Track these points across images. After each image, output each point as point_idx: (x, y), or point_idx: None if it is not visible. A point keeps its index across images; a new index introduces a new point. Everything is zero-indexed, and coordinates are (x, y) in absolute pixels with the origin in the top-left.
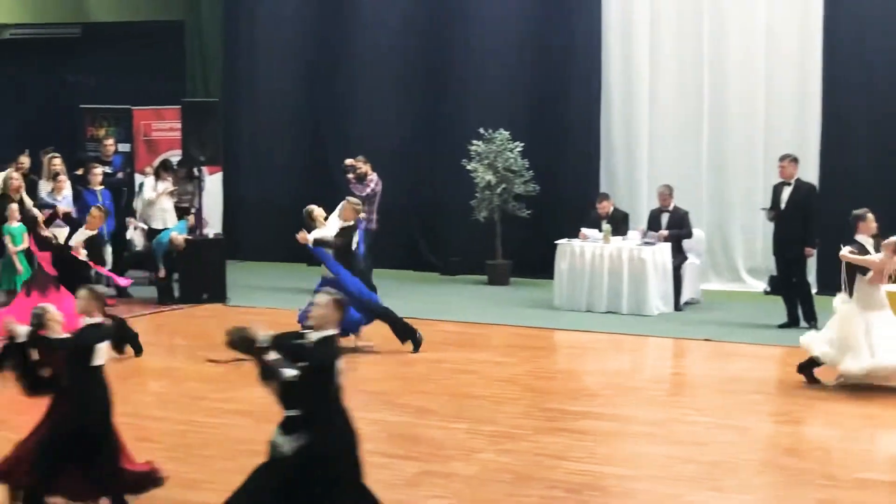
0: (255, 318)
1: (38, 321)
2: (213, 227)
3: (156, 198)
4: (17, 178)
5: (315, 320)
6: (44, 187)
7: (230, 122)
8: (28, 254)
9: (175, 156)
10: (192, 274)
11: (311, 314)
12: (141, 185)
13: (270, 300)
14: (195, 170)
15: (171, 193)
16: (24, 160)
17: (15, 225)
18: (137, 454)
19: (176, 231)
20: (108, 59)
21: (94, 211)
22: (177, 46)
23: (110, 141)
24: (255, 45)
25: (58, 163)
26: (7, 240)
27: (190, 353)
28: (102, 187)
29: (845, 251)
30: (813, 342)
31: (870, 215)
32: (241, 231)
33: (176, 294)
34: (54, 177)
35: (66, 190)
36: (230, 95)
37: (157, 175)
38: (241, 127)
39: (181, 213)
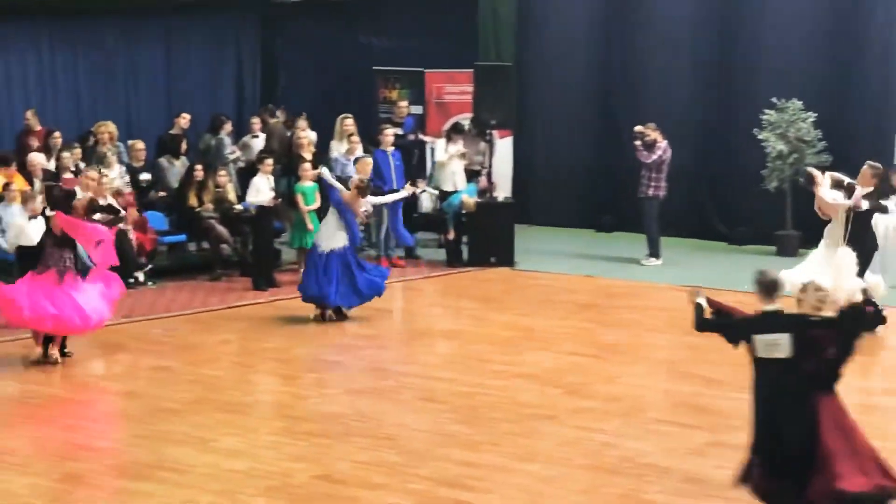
0: (541, 283)
1: None
2: (503, 190)
3: (447, 160)
4: (304, 137)
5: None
6: (336, 148)
7: (521, 86)
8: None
9: (466, 119)
10: (481, 237)
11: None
12: (432, 147)
13: (557, 265)
14: (486, 133)
15: (462, 156)
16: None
17: (307, 184)
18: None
19: (466, 194)
20: (402, 22)
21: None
22: (470, 9)
23: (403, 103)
24: (547, 9)
25: (350, 123)
26: (299, 198)
27: (477, 316)
28: (394, 148)
29: None
30: None
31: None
32: (530, 195)
33: (464, 256)
34: (347, 137)
35: (359, 151)
36: (522, 59)
37: (448, 137)
38: (532, 91)
39: (471, 175)
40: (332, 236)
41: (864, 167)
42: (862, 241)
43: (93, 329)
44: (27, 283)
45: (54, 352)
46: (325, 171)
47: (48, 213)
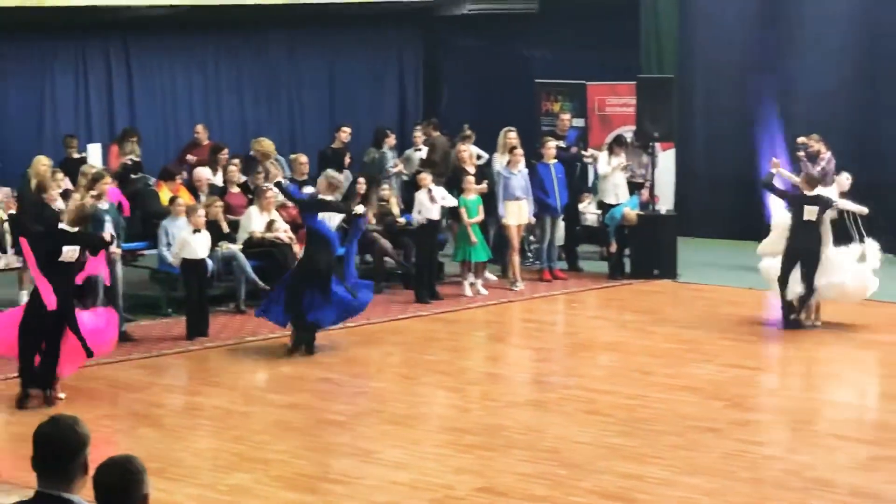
0: (704, 296)
1: None
2: (665, 202)
3: (609, 172)
4: (465, 149)
5: None
6: (499, 160)
7: (684, 98)
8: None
9: (628, 131)
10: (644, 249)
11: None
12: (594, 159)
13: (720, 277)
14: (649, 145)
15: (624, 168)
16: (469, 133)
17: (471, 197)
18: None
19: (628, 206)
20: (564, 34)
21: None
22: (632, 21)
23: (566, 115)
24: (710, 21)
25: (513, 136)
26: (462, 211)
27: (639, 328)
28: (556, 161)
29: None
30: None
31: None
32: (692, 207)
33: (626, 269)
34: (510, 150)
35: (521, 164)
36: (685, 71)
37: (611, 150)
38: (695, 103)
39: (634, 188)
40: None
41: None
42: None
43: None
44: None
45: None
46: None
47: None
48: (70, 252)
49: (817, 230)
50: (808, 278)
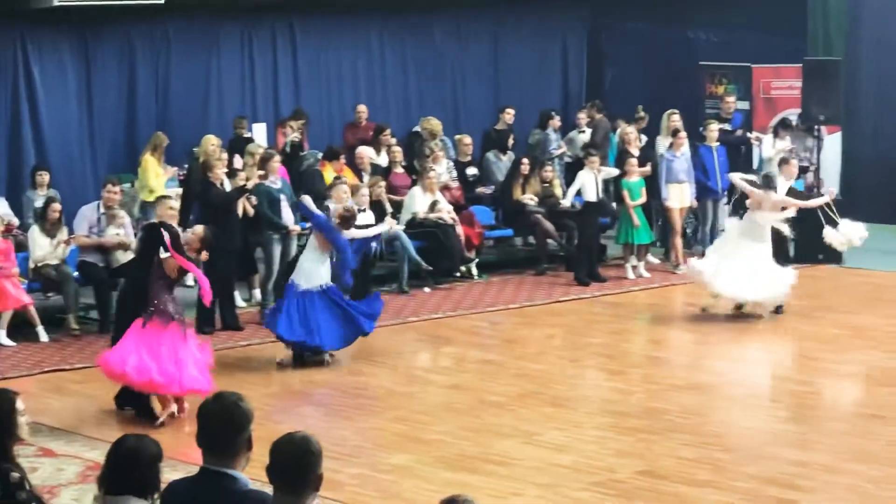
0: (870, 281)
1: None
2: (831, 186)
3: (774, 156)
4: (632, 132)
5: None
6: (661, 143)
7: (851, 81)
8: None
9: (794, 114)
10: (808, 234)
11: None
12: (758, 142)
13: (887, 263)
14: (814, 129)
15: (790, 152)
16: (643, 115)
17: (634, 179)
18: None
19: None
20: (730, 16)
21: None
22: (799, 3)
23: (731, 98)
24: (882, 3)
25: (676, 119)
26: (625, 194)
27: (804, 314)
28: (718, 144)
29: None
30: None
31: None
32: (858, 192)
33: (791, 253)
34: (674, 133)
35: (685, 147)
36: (852, 53)
37: (776, 133)
38: (863, 86)
39: (799, 172)
40: (311, 273)
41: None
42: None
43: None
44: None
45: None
46: (305, 198)
47: (163, 255)
48: None
49: None
50: None
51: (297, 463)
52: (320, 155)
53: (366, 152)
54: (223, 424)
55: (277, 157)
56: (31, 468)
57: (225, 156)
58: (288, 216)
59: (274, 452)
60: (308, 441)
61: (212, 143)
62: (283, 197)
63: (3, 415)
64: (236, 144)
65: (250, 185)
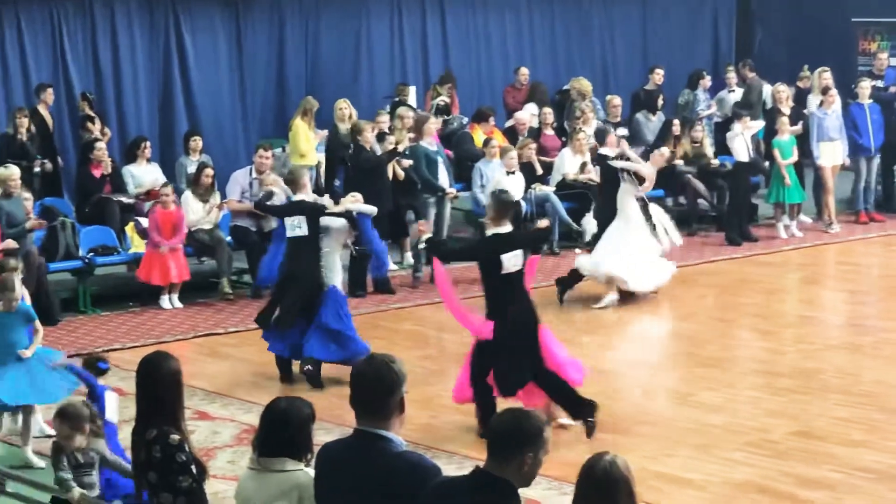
0: None
1: None
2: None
3: None
4: (784, 90)
5: None
6: (813, 101)
7: None
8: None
9: None
10: None
11: None
12: None
13: None
14: None
15: None
16: (807, 73)
17: (785, 138)
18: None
19: None
20: None
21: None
22: None
23: (884, 55)
24: None
25: (827, 77)
26: (776, 152)
27: None
28: (871, 101)
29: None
30: None
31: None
32: None
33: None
34: (824, 91)
35: (836, 104)
36: None
37: None
38: None
39: None
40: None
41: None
42: None
43: None
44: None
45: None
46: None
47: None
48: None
49: None
50: None
51: (374, 387)
52: (466, 120)
53: (522, 115)
54: (375, 386)
55: (433, 120)
56: (188, 431)
57: (384, 118)
58: (444, 178)
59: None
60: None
61: (340, 107)
62: (439, 159)
63: (172, 381)
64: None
65: (401, 147)
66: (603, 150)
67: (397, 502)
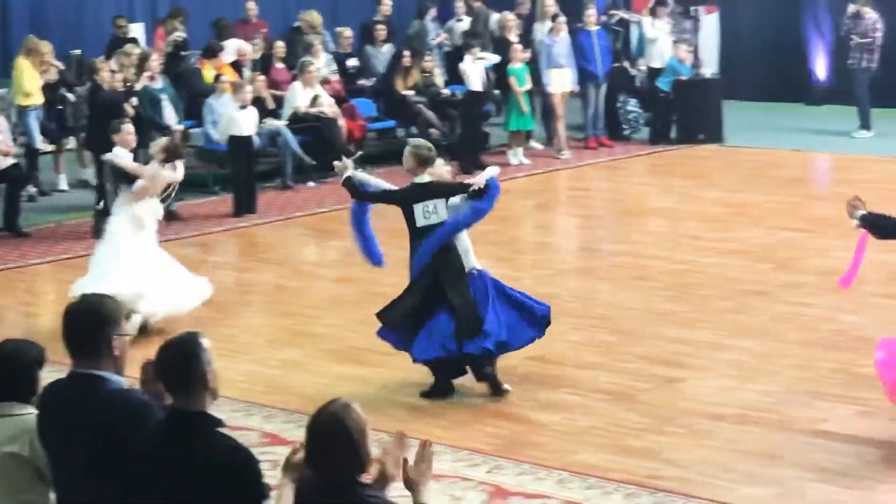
0: (751, 159)
1: None
2: (710, 66)
3: (654, 37)
4: (512, 18)
5: None
6: (540, 29)
7: None
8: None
9: None
10: (688, 114)
11: None
12: (639, 23)
13: (766, 140)
14: (689, 10)
15: (671, 33)
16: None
17: (518, 65)
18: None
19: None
20: None
21: None
22: None
23: None
24: None
25: (551, 3)
26: (512, 80)
27: (686, 193)
28: (598, 28)
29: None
30: None
31: (125, 126)
32: (737, 70)
33: (672, 134)
34: (552, 18)
35: (564, 31)
36: None
37: (653, 13)
38: None
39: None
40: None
41: None
42: None
43: None
44: None
45: None
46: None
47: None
48: None
49: None
50: None
51: (180, 363)
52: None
53: (245, 48)
54: (84, 325)
55: (156, 57)
56: None
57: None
58: (170, 116)
59: (161, 352)
60: (193, 341)
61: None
62: (164, 97)
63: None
64: (117, 45)
65: (139, 85)
66: None
67: (111, 439)
